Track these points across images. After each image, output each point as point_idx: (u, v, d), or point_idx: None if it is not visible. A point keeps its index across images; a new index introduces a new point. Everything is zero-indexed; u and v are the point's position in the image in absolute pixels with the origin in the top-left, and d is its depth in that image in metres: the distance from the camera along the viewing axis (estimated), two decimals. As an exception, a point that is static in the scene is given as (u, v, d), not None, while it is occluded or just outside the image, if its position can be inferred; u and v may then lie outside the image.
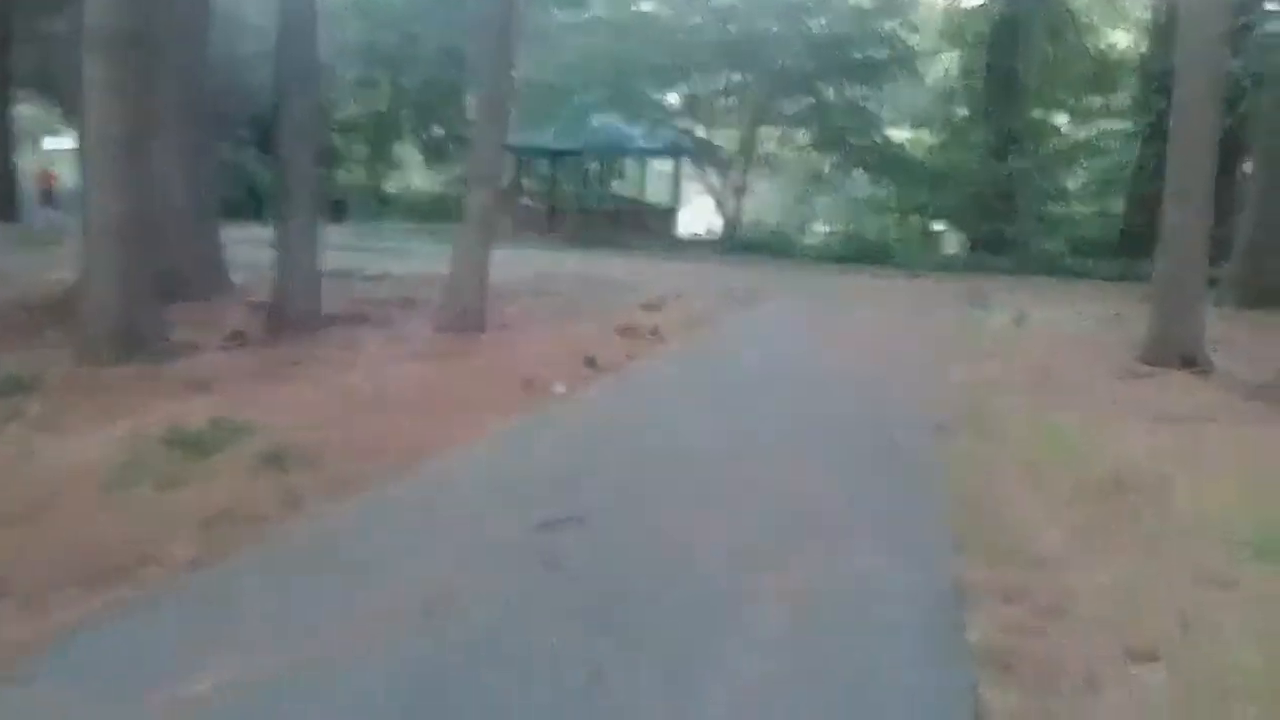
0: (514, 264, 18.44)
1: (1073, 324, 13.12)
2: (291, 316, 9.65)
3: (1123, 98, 26.45)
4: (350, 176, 38.39)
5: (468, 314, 10.14)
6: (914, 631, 3.92)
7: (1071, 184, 25.80)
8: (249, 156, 28.74)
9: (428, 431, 6.93)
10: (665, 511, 5.39)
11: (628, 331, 11.53)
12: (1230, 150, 16.26)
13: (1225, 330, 12.15)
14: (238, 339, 9.29)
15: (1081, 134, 26.52)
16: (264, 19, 26.15)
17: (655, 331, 11.77)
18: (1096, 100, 26.90)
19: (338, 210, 30.55)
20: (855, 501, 5.87)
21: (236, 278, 12.39)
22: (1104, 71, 26.43)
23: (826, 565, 4.63)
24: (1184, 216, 9.59)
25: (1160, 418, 7.77)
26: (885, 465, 6.84)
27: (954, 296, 16.68)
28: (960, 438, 7.54)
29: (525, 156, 30.97)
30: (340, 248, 19.84)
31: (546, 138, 26.41)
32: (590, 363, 9.76)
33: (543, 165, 29.55)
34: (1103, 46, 27.52)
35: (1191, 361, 9.51)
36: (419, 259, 20.29)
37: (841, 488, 6.16)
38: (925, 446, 7.25)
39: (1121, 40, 29.20)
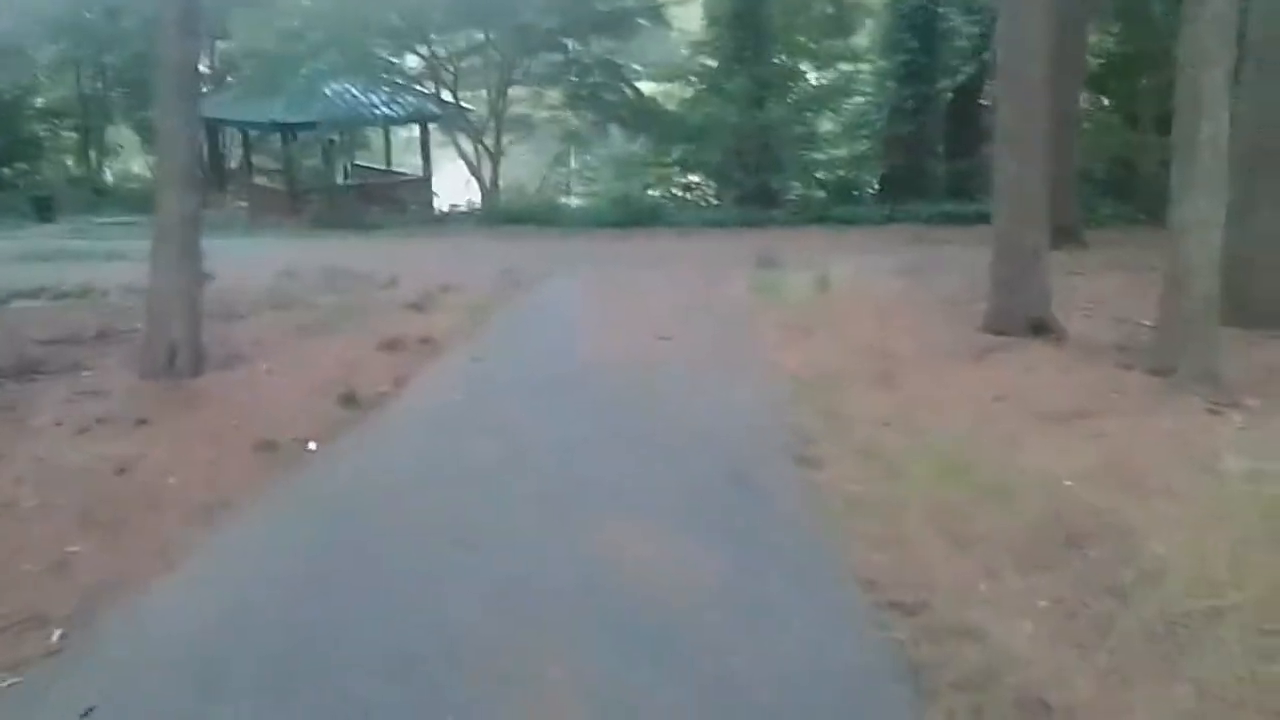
0: (251, 262, 15.57)
1: (875, 281, 11.71)
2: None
3: (861, 40, 25.67)
4: (59, 168, 33.40)
5: (179, 352, 7.54)
6: None
7: (821, 130, 24.75)
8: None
9: (82, 571, 4.64)
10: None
11: (394, 345, 9.20)
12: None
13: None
14: None
15: (826, 79, 25.53)
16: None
17: (427, 340, 9.49)
18: (837, 44, 25.99)
19: (43, 208, 26.12)
20: (723, 603, 4.10)
21: None
22: (841, 14, 25.53)
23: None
24: (1019, 164, 8.15)
25: (1050, 415, 6.26)
26: (745, 524, 5.05)
27: (737, 256, 15.09)
28: (826, 466, 5.78)
29: (254, 132, 27.34)
30: (36, 257, 16.32)
31: (276, 111, 23.03)
32: (348, 400, 7.44)
33: (276, 142, 26.03)
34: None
35: (1041, 327, 8.16)
36: (134, 261, 16.92)
37: (691, 575, 4.38)
38: (788, 486, 5.50)
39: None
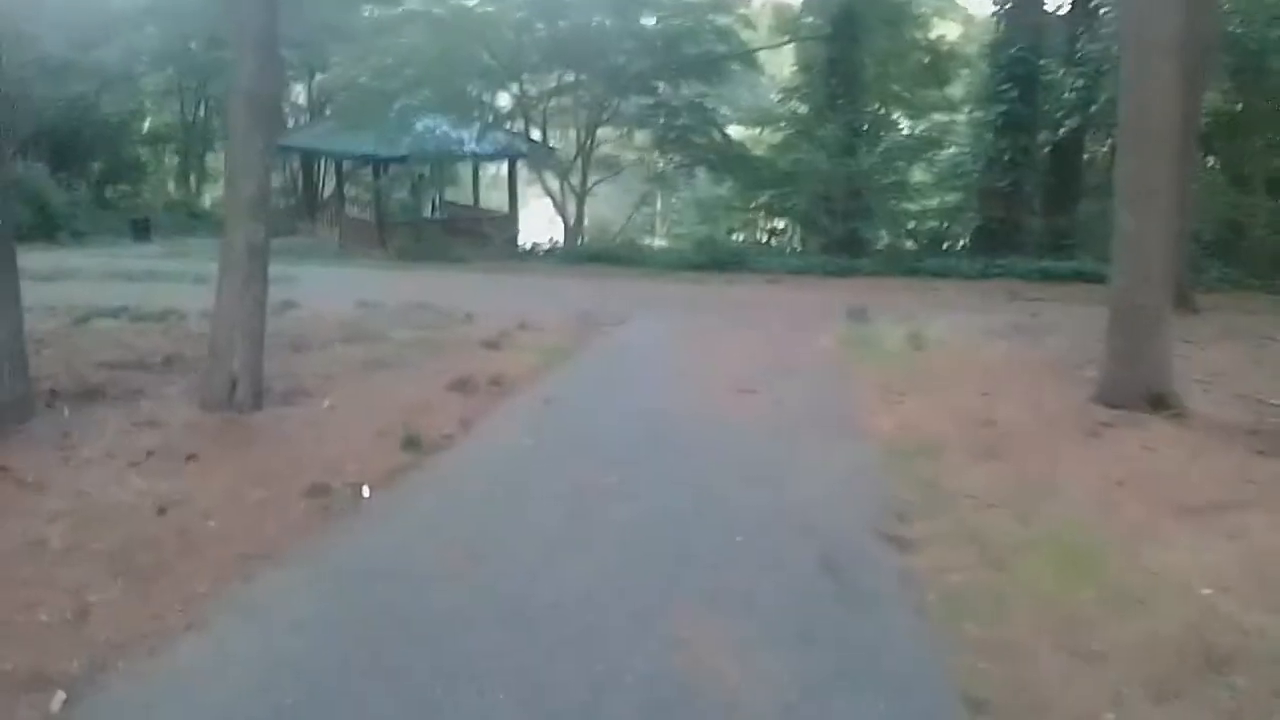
0: (334, 291, 15.40)
1: (973, 339, 10.95)
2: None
3: (956, 90, 24.94)
4: (160, 192, 34.11)
5: (240, 385, 7.16)
6: None
7: (912, 180, 23.96)
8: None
9: (100, 624, 4.28)
10: None
11: (464, 385, 8.74)
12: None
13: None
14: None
15: (919, 129, 24.81)
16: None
17: (498, 381, 9.02)
18: (932, 94, 25.29)
19: (140, 229, 26.52)
20: None
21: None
22: (937, 63, 24.84)
23: None
24: (1139, 222, 7.39)
25: (1181, 506, 5.49)
26: (835, 622, 4.41)
27: (825, 305, 14.43)
28: (924, 550, 5.11)
29: (348, 164, 27.54)
30: (126, 276, 16.35)
31: (368, 144, 23.07)
32: (411, 443, 6.97)
33: (367, 174, 26.14)
34: (933, 38, 25.94)
35: (1161, 402, 7.35)
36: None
37: (772, 688, 3.78)
38: (879, 573, 4.86)
39: (950, 31, 27.78)
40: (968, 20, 29.40)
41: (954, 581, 4.66)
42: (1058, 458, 6.45)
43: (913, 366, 9.76)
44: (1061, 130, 17.19)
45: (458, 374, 9.04)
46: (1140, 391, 7.35)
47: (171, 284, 15.49)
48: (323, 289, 16.23)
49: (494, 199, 28.29)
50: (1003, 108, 18.68)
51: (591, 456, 6.89)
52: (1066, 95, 16.82)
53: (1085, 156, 20.95)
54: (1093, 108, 16.71)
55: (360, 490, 6.10)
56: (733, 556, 5.12)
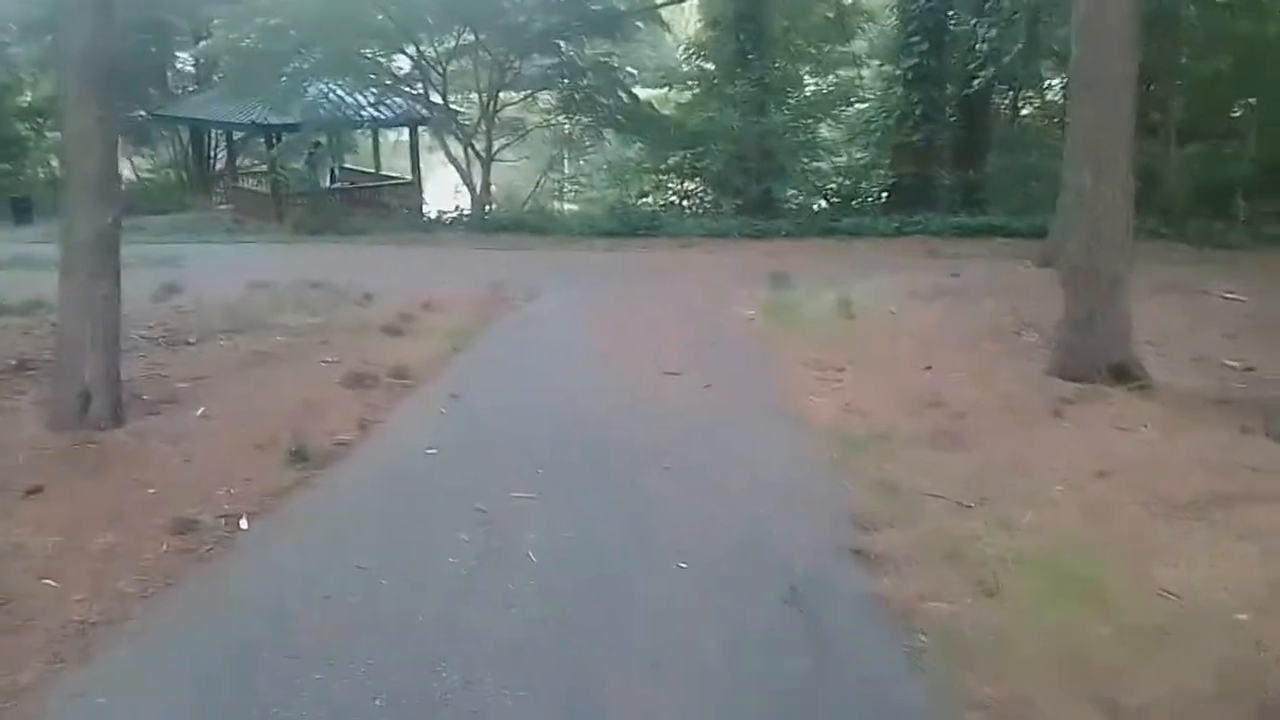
0: (223, 271, 14.09)
1: (904, 304, 10.24)
2: None
3: (860, 45, 24.19)
4: (46, 170, 31.62)
5: (94, 399, 6.03)
6: None
7: (820, 137, 23.16)
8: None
9: None
10: None
11: (360, 380, 7.71)
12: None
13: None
14: None
15: (825, 85, 24.01)
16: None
17: (399, 373, 8.00)
18: (836, 49, 24.52)
19: (20, 210, 24.45)
20: None
21: None
22: (841, 18, 24.07)
23: None
24: (1095, 179, 6.67)
25: (1177, 501, 4.81)
26: (803, 684, 3.65)
27: (744, 270, 13.62)
28: (898, 571, 4.36)
29: (239, 135, 25.76)
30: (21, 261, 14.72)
31: (258, 111, 21.44)
32: (298, 456, 5.96)
33: (260, 144, 24.44)
34: (837, -9, 25.16)
35: (1123, 372, 6.69)
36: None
37: None
38: (852, 606, 4.14)
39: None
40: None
41: (942, 615, 3.89)
42: (1025, 444, 5.74)
43: (845, 337, 9.00)
44: (975, 82, 16.58)
45: (354, 366, 8.01)
46: (1099, 362, 6.70)
47: (45, 271, 13.89)
48: (210, 269, 14.85)
49: (398, 168, 26.75)
50: (913, 61, 17.93)
51: (504, 464, 5.96)
52: (979, 46, 16.18)
53: (991, 109, 20.43)
54: (1005, 59, 16.09)
55: (236, 522, 5.09)
56: (675, 591, 4.27)
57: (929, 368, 7.47)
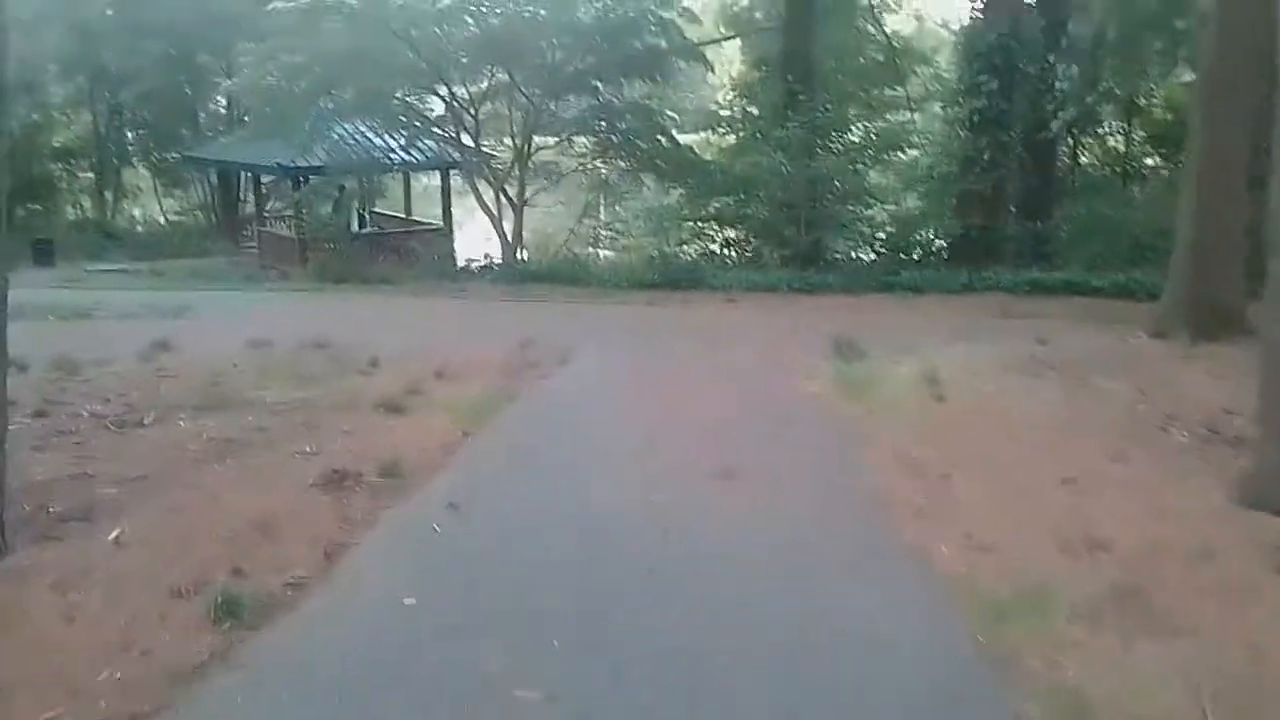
0: (227, 325, 12.53)
1: (1000, 381, 8.39)
2: None
3: (916, 86, 22.52)
4: (76, 210, 30.58)
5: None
6: None
7: (870, 184, 21.36)
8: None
9: None
10: None
11: (339, 480, 6.00)
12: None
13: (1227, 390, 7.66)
14: None
15: (874, 130, 22.26)
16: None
17: (391, 470, 6.25)
18: (886, 92, 22.84)
19: (42, 252, 23.18)
20: None
21: None
22: (892, 60, 22.42)
23: None
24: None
25: None
26: None
27: (801, 332, 11.87)
28: None
29: (268, 178, 24.44)
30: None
31: (282, 153, 20.06)
32: (228, 610, 4.23)
33: (288, 188, 23.07)
34: (888, 32, 23.51)
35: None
36: (96, 320, 13.88)
37: None
38: None
39: (903, 26, 25.41)
40: (919, 15, 26.97)
41: None
42: (1257, 625, 3.86)
43: (940, 426, 7.15)
44: (1054, 124, 14.80)
45: (336, 459, 6.31)
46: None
47: (33, 321, 12.36)
48: (216, 322, 13.32)
49: (430, 213, 25.27)
50: (980, 102, 16.14)
51: (503, 629, 4.18)
52: (1059, 85, 14.43)
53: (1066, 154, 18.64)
54: (1088, 99, 14.31)
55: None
56: None
57: (1069, 480, 5.60)
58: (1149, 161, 20.63)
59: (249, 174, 25.65)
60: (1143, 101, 19.12)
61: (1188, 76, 18.80)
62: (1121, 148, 20.33)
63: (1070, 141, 19.13)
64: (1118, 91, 18.20)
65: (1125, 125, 19.75)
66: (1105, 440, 6.44)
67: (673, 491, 5.98)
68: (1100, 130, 19.94)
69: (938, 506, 5.47)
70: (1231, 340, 9.10)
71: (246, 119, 25.64)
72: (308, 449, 6.63)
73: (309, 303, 16.31)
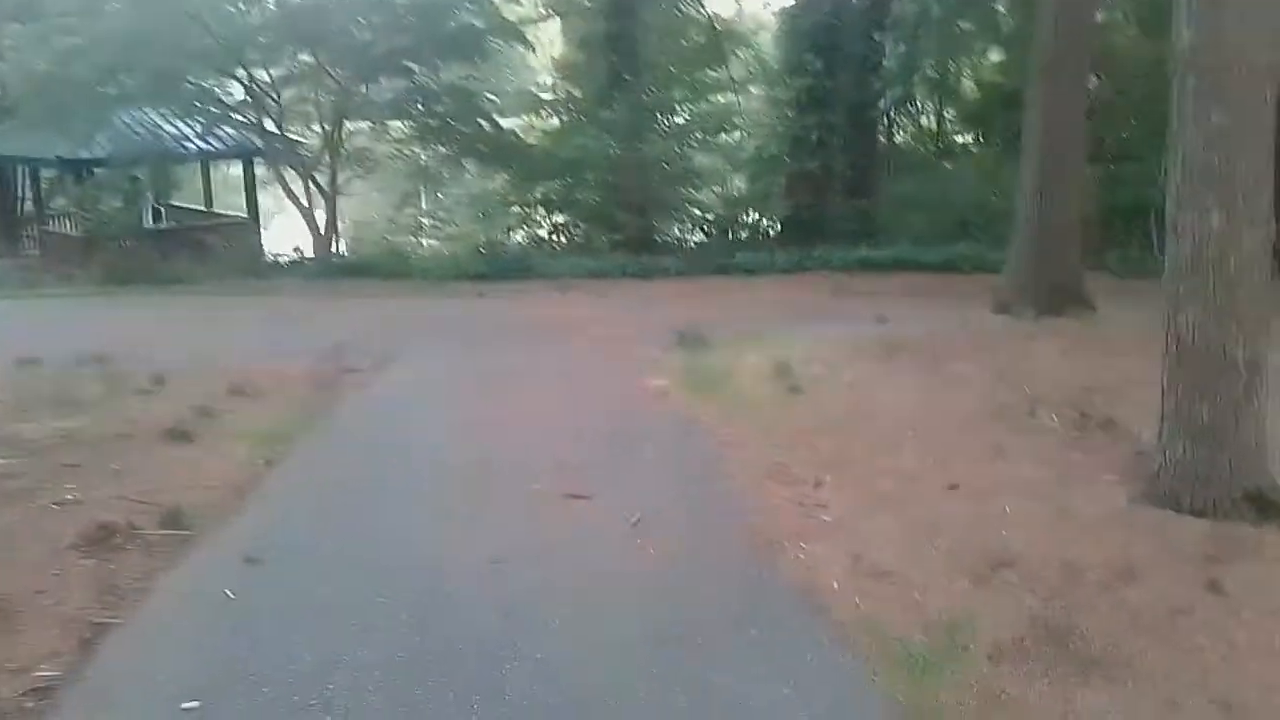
0: (-3, 339, 10.70)
1: (855, 368, 7.87)
2: None
3: (738, 68, 22.15)
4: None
5: None
6: None
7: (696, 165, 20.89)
8: None
9: None
10: None
11: (105, 538, 4.81)
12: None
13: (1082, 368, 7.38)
14: None
15: (698, 112, 21.81)
16: None
17: (174, 519, 5.09)
18: (707, 74, 22.41)
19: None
20: None
21: None
22: (715, 42, 21.98)
23: None
24: (1228, 218, 4.33)
25: None
26: None
27: (641, 322, 11.16)
28: None
29: (47, 171, 21.84)
30: None
31: (61, 145, 17.79)
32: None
33: (71, 181, 20.60)
34: (709, 14, 23.05)
35: (1265, 503, 4.37)
36: None
37: None
38: None
39: (724, 8, 25.01)
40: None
41: None
42: (1212, 660, 3.31)
43: (802, 423, 6.52)
44: (882, 102, 14.61)
45: (103, 508, 5.09)
46: (1231, 488, 4.38)
47: None
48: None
49: (237, 205, 23.16)
50: (806, 81, 15.83)
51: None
52: (886, 63, 14.22)
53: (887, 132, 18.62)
54: (914, 75, 14.15)
55: None
56: None
57: (955, 486, 5.02)
58: (959, 139, 21.05)
59: (26, 169, 22.88)
60: (954, 81, 19.41)
61: (996, 56, 19.26)
62: (934, 126, 20.62)
63: (886, 121, 19.21)
64: (931, 72, 18.35)
65: (938, 104, 20.01)
66: (974, 432, 5.95)
67: (512, 517, 5.08)
68: (912, 109, 20.13)
69: (815, 524, 4.79)
70: (1075, 315, 8.94)
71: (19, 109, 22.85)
72: (69, 495, 5.38)
73: (91, 308, 14.39)
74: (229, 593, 4.37)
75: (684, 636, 3.80)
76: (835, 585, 4.10)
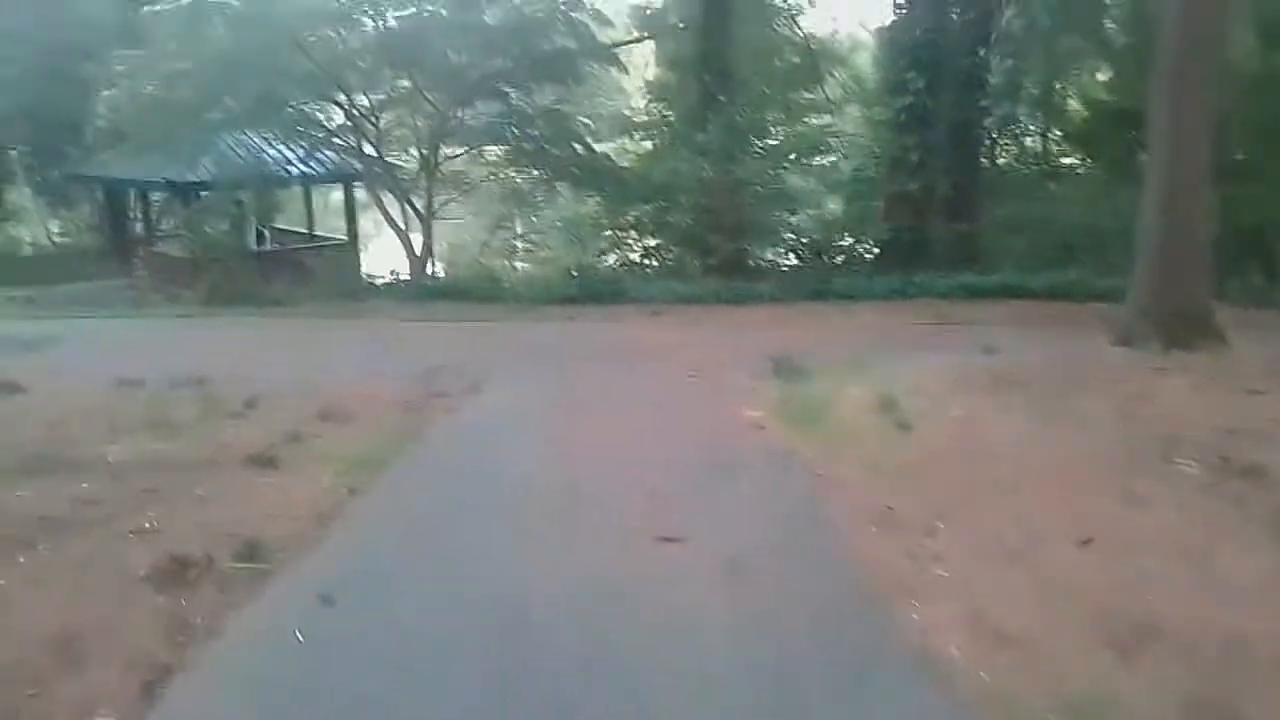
0: (99, 358, 11.01)
1: (963, 403, 7.34)
2: None
3: (833, 88, 21.63)
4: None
5: None
6: None
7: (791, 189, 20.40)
8: None
9: None
10: None
11: (179, 572, 4.66)
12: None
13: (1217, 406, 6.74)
14: None
15: (792, 133, 21.34)
16: None
17: (250, 552, 4.91)
18: (804, 95, 21.94)
19: None
20: None
21: None
22: (810, 62, 21.51)
23: None
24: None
25: None
26: None
27: (735, 349, 10.80)
28: None
29: (155, 194, 22.51)
30: None
31: (168, 167, 18.28)
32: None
33: (178, 203, 21.18)
34: (804, 34, 22.60)
35: None
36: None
37: None
38: None
39: (819, 28, 24.55)
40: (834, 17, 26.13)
41: None
42: None
43: (911, 463, 6.05)
44: (988, 120, 14.00)
45: (179, 539, 4.92)
46: None
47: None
48: (85, 354, 11.60)
49: (337, 228, 23.55)
50: (906, 100, 15.28)
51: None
52: (992, 80, 13.62)
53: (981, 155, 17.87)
54: (1021, 92, 13.51)
55: None
56: None
57: (1086, 542, 4.51)
58: (1065, 160, 20.17)
59: (137, 191, 23.67)
60: (1059, 100, 18.61)
61: (1103, 75, 18.40)
62: (1039, 146, 19.79)
63: (989, 140, 18.49)
64: (1033, 90, 17.62)
65: (1043, 123, 19.20)
66: (1108, 477, 5.40)
67: (600, 561, 4.76)
68: (1016, 129, 19.36)
69: (930, 579, 4.34)
70: (1206, 348, 8.25)
71: (130, 133, 23.67)
72: (147, 525, 5.24)
73: (195, 329, 14.67)
74: (299, 638, 4.13)
75: (781, 709, 3.40)
76: (956, 652, 3.65)
